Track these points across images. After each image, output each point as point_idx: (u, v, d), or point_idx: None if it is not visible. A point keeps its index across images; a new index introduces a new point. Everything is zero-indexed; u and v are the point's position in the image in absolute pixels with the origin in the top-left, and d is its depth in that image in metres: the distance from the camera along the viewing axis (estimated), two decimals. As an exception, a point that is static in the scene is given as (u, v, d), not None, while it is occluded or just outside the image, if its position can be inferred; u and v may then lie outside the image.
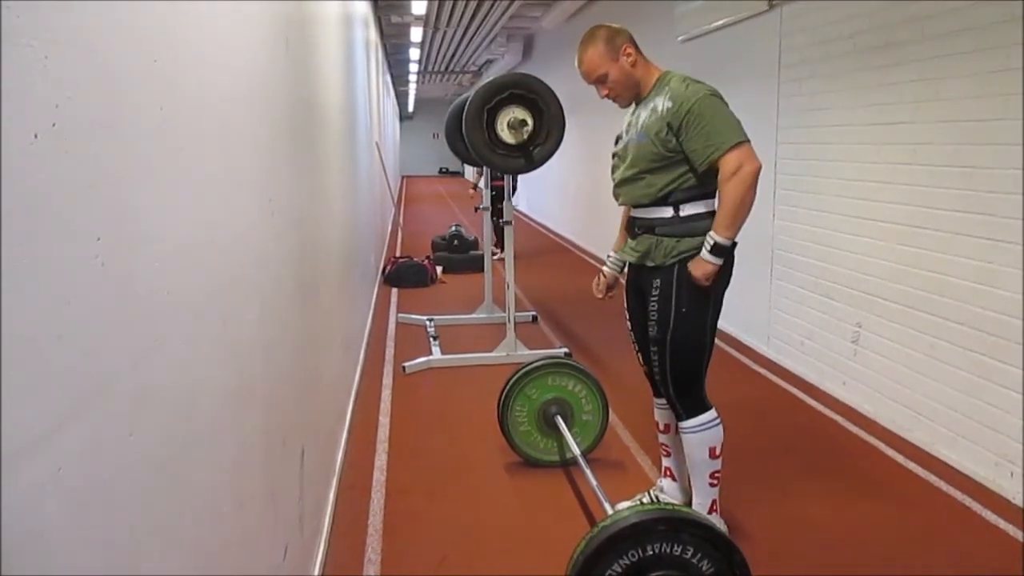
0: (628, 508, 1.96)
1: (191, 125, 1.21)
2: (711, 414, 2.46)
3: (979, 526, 2.74)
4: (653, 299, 2.40)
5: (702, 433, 2.44)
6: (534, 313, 5.89)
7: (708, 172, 2.31)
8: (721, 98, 2.33)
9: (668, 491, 2.75)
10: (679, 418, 2.49)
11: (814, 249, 4.19)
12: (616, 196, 2.58)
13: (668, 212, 2.37)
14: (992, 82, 2.90)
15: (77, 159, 0.81)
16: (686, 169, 2.34)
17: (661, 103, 2.35)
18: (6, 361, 0.66)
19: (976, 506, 2.86)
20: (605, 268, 2.77)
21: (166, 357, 1.06)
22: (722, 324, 5.30)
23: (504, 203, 5.02)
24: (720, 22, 5.22)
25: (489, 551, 2.58)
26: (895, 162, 3.49)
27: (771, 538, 2.64)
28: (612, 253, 2.74)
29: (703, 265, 2.30)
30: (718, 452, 2.46)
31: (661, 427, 2.71)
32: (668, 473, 2.76)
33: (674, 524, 1.87)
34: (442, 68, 17.15)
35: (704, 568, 1.88)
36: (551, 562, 2.49)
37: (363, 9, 6.78)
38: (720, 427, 2.47)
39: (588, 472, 2.65)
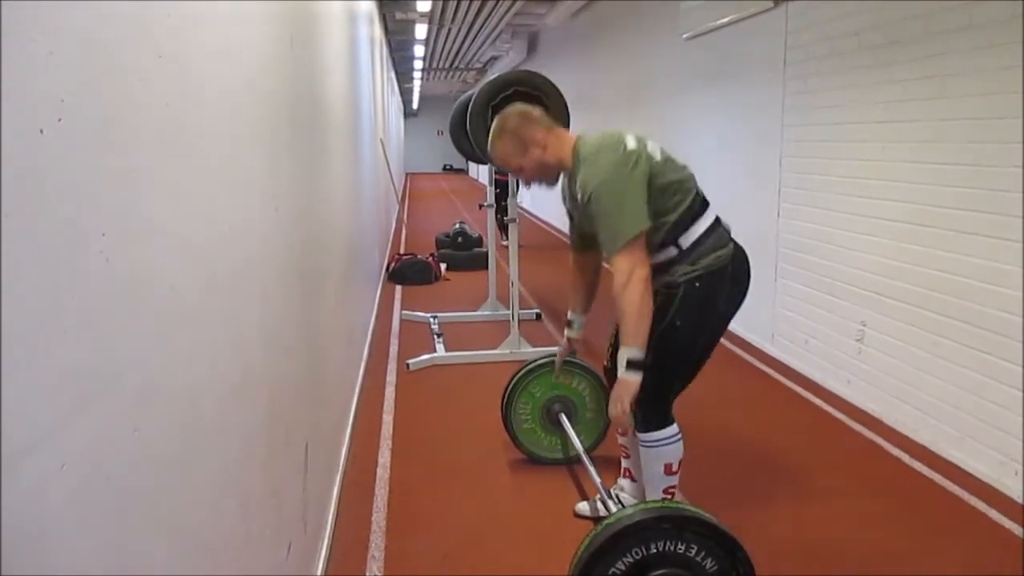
0: (632, 507, 1.96)
1: (196, 121, 1.21)
2: (672, 429, 2.38)
3: (984, 525, 2.73)
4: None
5: (660, 448, 2.37)
6: (538, 311, 5.88)
7: (674, 202, 2.28)
8: (617, 178, 2.20)
9: (628, 491, 2.71)
10: (637, 428, 2.41)
11: (819, 247, 4.18)
12: (581, 247, 2.59)
13: (673, 251, 2.31)
14: (998, 79, 2.88)
15: (82, 154, 0.81)
16: (654, 218, 2.25)
17: (577, 188, 2.31)
18: (10, 356, 0.66)
19: (981, 505, 2.85)
20: (569, 333, 2.77)
21: (170, 353, 1.06)
22: (726, 322, 5.21)
23: (508, 200, 5.02)
24: (725, 19, 5.20)
25: (492, 548, 2.58)
26: (900, 160, 3.48)
27: (775, 537, 2.63)
28: (575, 316, 2.74)
29: (627, 385, 2.20)
30: (675, 468, 2.40)
31: (620, 430, 2.64)
32: (628, 474, 2.72)
33: (678, 522, 1.87)
34: (447, 65, 17.14)
35: (708, 566, 1.88)
36: (553, 559, 2.49)
37: (368, 6, 6.78)
38: (680, 444, 2.40)
39: (592, 469, 2.65)
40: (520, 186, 5.10)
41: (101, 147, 0.85)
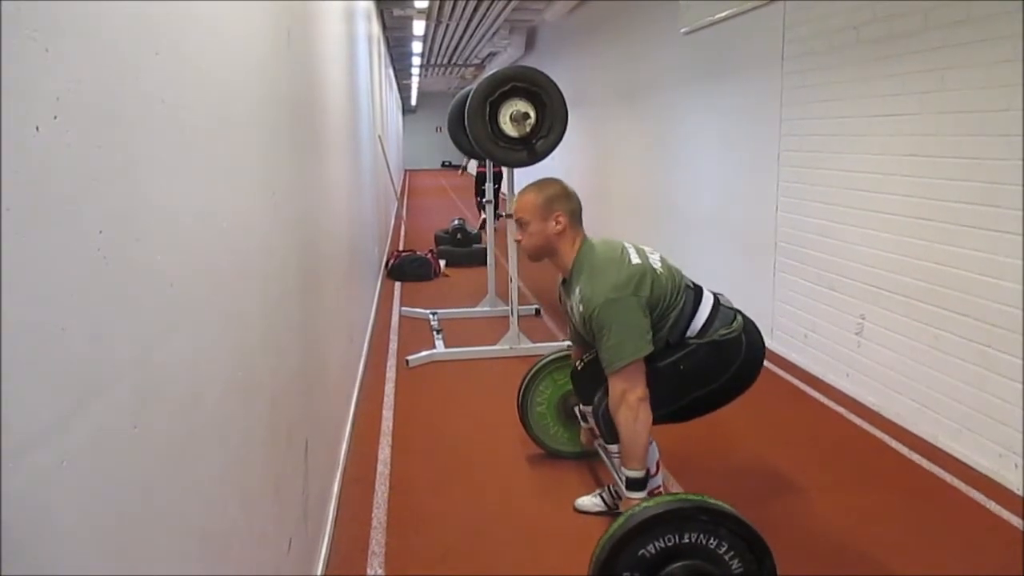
0: (674, 495, 1.99)
1: (194, 118, 1.21)
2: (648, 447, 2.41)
3: (983, 518, 2.74)
4: (668, 350, 2.35)
5: None
6: (538, 306, 5.89)
7: (675, 304, 2.30)
8: (621, 298, 2.22)
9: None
10: (606, 439, 2.46)
11: (818, 241, 4.18)
12: (580, 343, 2.65)
13: (688, 347, 2.33)
14: (998, 72, 2.88)
15: (79, 151, 0.81)
16: (656, 324, 2.28)
17: (578, 301, 2.33)
18: (10, 354, 0.66)
19: (980, 497, 2.86)
20: (588, 425, 2.79)
21: (170, 349, 1.06)
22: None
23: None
24: (724, 13, 5.19)
25: (493, 544, 2.58)
26: (899, 153, 3.48)
27: (775, 530, 2.64)
28: (584, 410, 2.76)
29: (630, 504, 2.18)
30: (654, 471, 2.43)
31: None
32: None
33: (716, 517, 1.89)
34: (445, 61, 17.11)
35: (734, 567, 1.89)
36: (553, 555, 2.50)
37: (365, 3, 6.77)
38: (653, 447, 2.43)
39: (607, 460, 2.62)
40: (502, 179, 5.14)
41: (98, 144, 0.85)
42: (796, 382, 4.19)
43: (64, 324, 0.77)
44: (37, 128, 0.72)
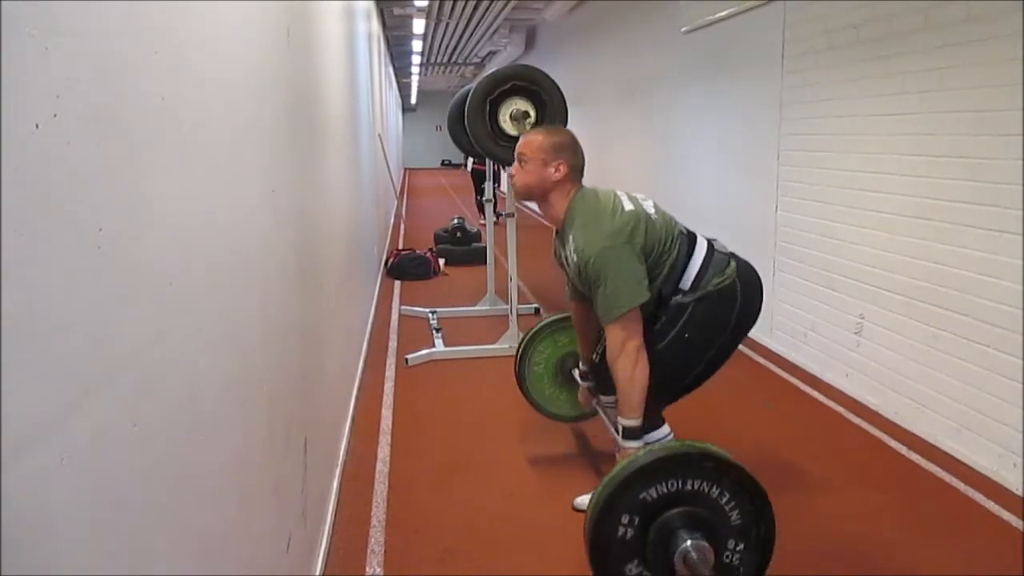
0: (680, 441, 1.97)
1: (193, 116, 1.21)
2: (665, 429, 2.40)
3: (982, 517, 2.74)
4: (661, 319, 2.32)
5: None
6: (537, 305, 5.88)
7: (668, 251, 2.27)
8: (615, 247, 2.19)
9: None
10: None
11: (817, 240, 4.18)
12: (579, 298, 2.59)
13: (678, 296, 2.30)
14: (998, 72, 2.88)
15: (78, 149, 0.81)
16: (650, 273, 2.25)
17: (571, 250, 2.30)
18: (9, 351, 0.66)
19: (979, 497, 2.86)
20: (587, 384, 2.79)
21: (169, 347, 1.06)
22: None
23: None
24: (724, 12, 5.19)
25: (492, 543, 2.59)
26: (899, 153, 3.48)
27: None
28: (587, 367, 2.75)
29: (627, 454, 2.17)
30: None
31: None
32: None
33: (722, 466, 1.86)
34: (445, 60, 17.11)
35: (733, 518, 1.87)
36: (553, 553, 2.50)
37: (365, 1, 6.76)
38: (669, 432, 2.42)
39: (607, 420, 2.59)
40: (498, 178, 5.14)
41: (98, 142, 0.85)
42: (795, 381, 4.19)
43: (63, 322, 0.77)
44: (37, 126, 0.72)
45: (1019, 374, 2.83)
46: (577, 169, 2.41)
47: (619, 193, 2.34)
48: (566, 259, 2.39)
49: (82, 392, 0.80)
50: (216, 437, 1.29)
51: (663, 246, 2.28)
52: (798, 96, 4.36)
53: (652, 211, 2.32)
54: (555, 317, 3.10)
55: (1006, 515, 2.73)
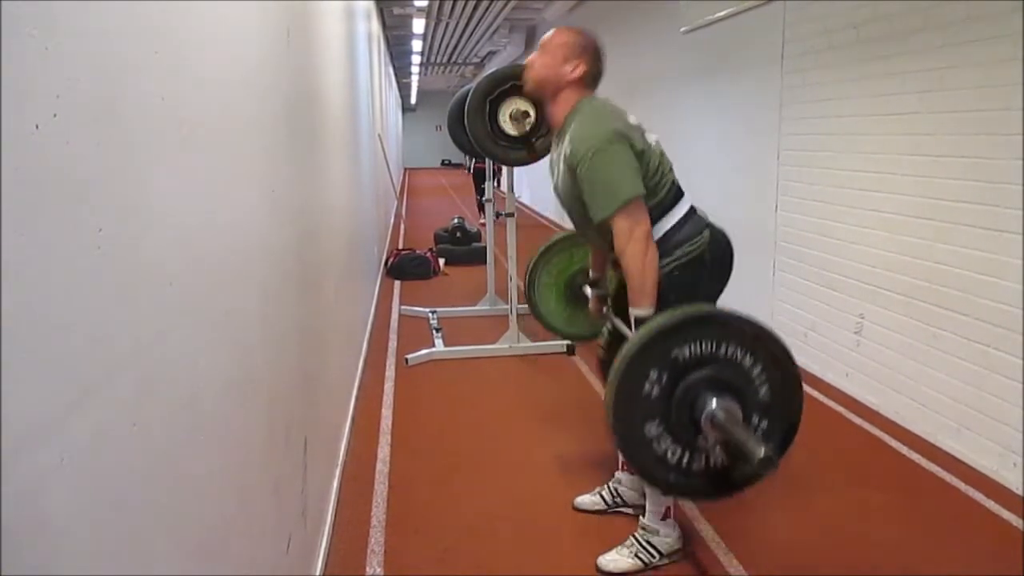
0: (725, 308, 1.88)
1: (193, 115, 1.21)
2: None
3: (982, 517, 2.74)
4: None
5: None
6: (537, 305, 5.88)
7: (653, 189, 2.19)
8: (613, 145, 2.12)
9: (626, 483, 2.72)
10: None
11: (817, 240, 4.18)
12: (583, 230, 2.47)
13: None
14: (998, 72, 2.88)
15: (78, 149, 0.81)
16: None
17: (566, 146, 2.22)
18: (9, 351, 0.66)
19: (979, 496, 2.86)
20: (598, 292, 2.69)
21: (169, 347, 1.06)
22: (725, 316, 5.18)
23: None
24: (723, 12, 5.19)
25: (492, 543, 2.59)
26: (899, 153, 3.48)
27: (773, 529, 2.64)
28: (599, 276, 2.68)
29: None
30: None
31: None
32: (625, 467, 2.71)
33: (762, 337, 1.82)
34: (444, 60, 17.10)
35: (762, 392, 1.84)
36: (553, 553, 2.50)
37: (365, 1, 6.76)
38: None
39: (621, 325, 2.46)
40: (503, 176, 5.14)
41: (98, 142, 0.85)
42: (795, 381, 4.18)
43: (63, 322, 0.77)
44: (37, 126, 0.72)
45: (1019, 374, 2.83)
46: (593, 77, 2.33)
47: (628, 112, 2.28)
48: (556, 162, 2.30)
49: (82, 392, 0.80)
50: (216, 437, 1.29)
51: (656, 178, 2.20)
52: (798, 96, 4.36)
53: (654, 143, 2.26)
54: (573, 232, 2.97)
55: (1006, 515, 2.73)
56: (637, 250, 2.10)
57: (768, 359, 1.82)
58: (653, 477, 1.92)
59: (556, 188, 2.38)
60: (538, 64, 2.31)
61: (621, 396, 1.81)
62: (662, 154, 2.28)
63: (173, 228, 1.10)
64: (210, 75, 1.33)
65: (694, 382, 1.80)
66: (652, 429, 1.83)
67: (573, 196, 2.24)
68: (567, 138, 2.22)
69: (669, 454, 1.86)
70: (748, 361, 1.81)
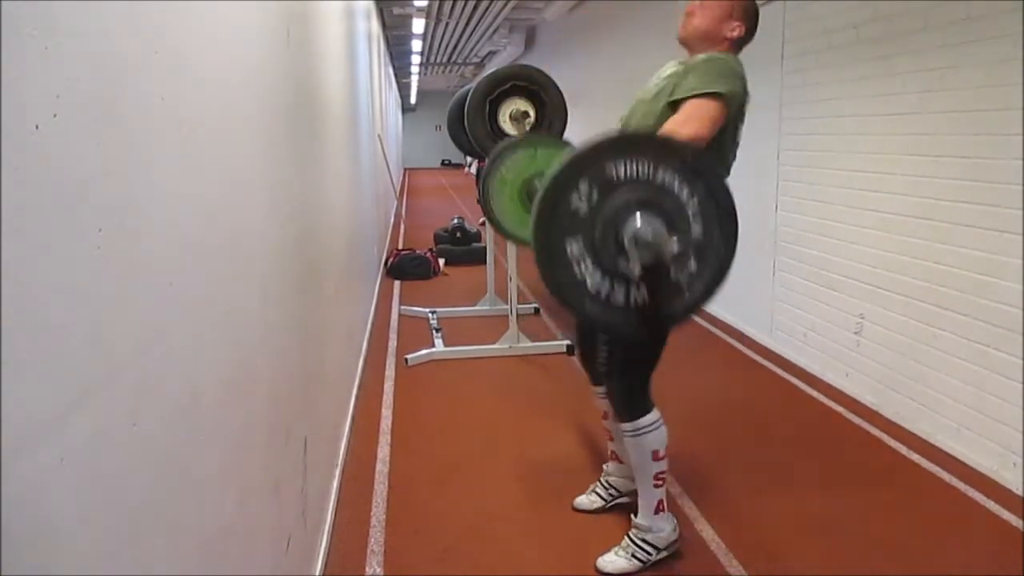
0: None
1: (193, 116, 1.21)
2: (652, 416, 2.32)
3: (982, 517, 2.74)
4: None
5: (642, 437, 2.31)
6: (536, 305, 5.88)
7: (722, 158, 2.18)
8: (737, 86, 2.15)
9: (615, 473, 2.73)
10: (620, 419, 2.36)
11: (817, 240, 4.18)
12: None
13: None
14: (998, 72, 2.88)
15: (78, 149, 0.81)
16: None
17: (669, 69, 2.24)
18: (9, 351, 0.66)
19: (979, 496, 2.86)
20: None
21: (169, 348, 1.06)
22: (725, 315, 5.26)
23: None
24: (723, 12, 5.19)
25: (492, 543, 2.58)
26: (899, 153, 3.48)
27: (773, 529, 2.64)
28: None
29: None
30: (661, 454, 2.34)
31: (603, 414, 2.66)
32: (614, 457, 2.73)
33: (705, 168, 1.74)
34: (444, 60, 17.11)
35: (695, 230, 1.74)
36: (553, 554, 2.50)
37: (365, 1, 6.76)
38: (662, 429, 2.34)
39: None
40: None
41: (98, 142, 0.85)
42: (795, 381, 4.19)
43: (63, 322, 0.77)
44: (36, 126, 0.72)
45: (1019, 374, 2.83)
46: (744, 41, 2.31)
47: None
48: (658, 77, 2.28)
49: (82, 392, 0.80)
50: (216, 437, 1.29)
51: (729, 149, 2.26)
52: (798, 96, 4.36)
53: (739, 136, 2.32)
54: (548, 137, 2.91)
55: (1006, 515, 2.73)
56: (680, 134, 2.00)
57: (706, 192, 1.73)
58: (568, 300, 1.82)
59: (633, 113, 2.33)
60: (702, 14, 2.28)
61: (548, 204, 1.71)
62: (736, 146, 2.36)
63: (173, 228, 1.10)
64: (210, 75, 1.33)
65: (625, 200, 1.70)
66: (575, 248, 1.74)
67: (656, 102, 2.20)
68: (678, 65, 2.22)
69: (589, 281, 1.77)
70: (685, 193, 1.72)
